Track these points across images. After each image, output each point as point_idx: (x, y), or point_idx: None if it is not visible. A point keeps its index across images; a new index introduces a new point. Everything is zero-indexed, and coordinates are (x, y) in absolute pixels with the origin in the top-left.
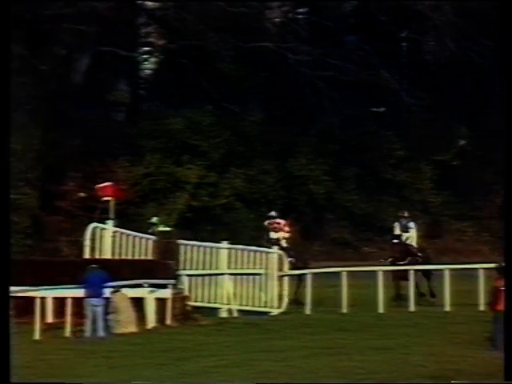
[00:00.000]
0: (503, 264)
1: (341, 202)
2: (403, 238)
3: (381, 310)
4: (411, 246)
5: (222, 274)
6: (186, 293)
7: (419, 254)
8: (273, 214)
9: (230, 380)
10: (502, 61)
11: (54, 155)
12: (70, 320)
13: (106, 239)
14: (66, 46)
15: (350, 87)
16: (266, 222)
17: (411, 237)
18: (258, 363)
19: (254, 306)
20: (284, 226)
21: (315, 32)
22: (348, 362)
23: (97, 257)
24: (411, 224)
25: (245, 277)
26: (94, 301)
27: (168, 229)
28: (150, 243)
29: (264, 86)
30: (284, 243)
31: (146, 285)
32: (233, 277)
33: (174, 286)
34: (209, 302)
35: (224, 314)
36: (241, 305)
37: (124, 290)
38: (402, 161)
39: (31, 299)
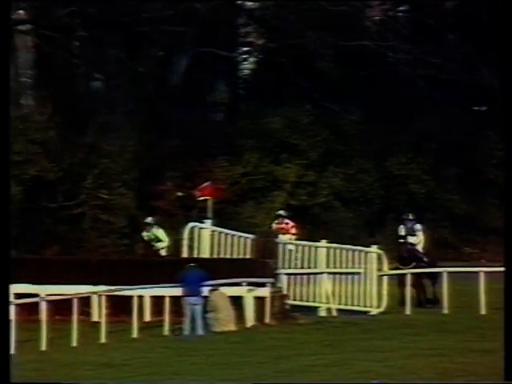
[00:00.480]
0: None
1: (441, 201)
2: (409, 241)
3: (483, 311)
4: (417, 250)
5: (321, 273)
6: (285, 291)
7: (424, 259)
8: (281, 213)
9: (328, 379)
10: None
11: (151, 156)
12: (169, 318)
13: (204, 238)
14: (164, 47)
15: (450, 86)
16: (275, 223)
17: (418, 240)
18: (357, 363)
19: (353, 305)
20: (292, 227)
21: (416, 30)
22: (449, 364)
23: (195, 256)
24: (417, 226)
25: (344, 276)
26: (193, 299)
27: (161, 230)
28: (249, 242)
29: (363, 85)
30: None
31: (244, 283)
32: (331, 276)
33: (273, 285)
34: (307, 301)
35: (323, 313)
36: (340, 304)
37: (222, 289)
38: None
39: (129, 298)
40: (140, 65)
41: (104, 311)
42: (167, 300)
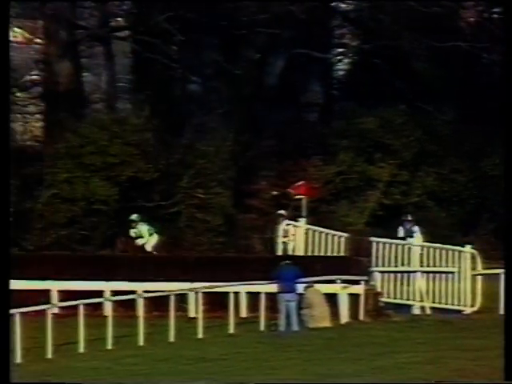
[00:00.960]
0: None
1: None
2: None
3: None
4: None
5: (415, 272)
6: (379, 289)
7: None
8: (282, 212)
9: (422, 378)
10: None
11: (246, 156)
12: (264, 314)
13: (298, 236)
14: (260, 49)
15: None
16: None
17: (416, 241)
18: (451, 361)
19: (446, 303)
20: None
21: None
22: None
23: (289, 253)
24: (415, 228)
25: (437, 275)
26: (288, 296)
27: (144, 227)
28: (343, 240)
29: (457, 86)
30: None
31: (338, 281)
32: (425, 274)
33: (367, 283)
34: (401, 299)
35: (417, 311)
36: (433, 302)
37: (317, 286)
38: None
39: (225, 294)
40: (236, 67)
41: (201, 307)
42: (263, 296)
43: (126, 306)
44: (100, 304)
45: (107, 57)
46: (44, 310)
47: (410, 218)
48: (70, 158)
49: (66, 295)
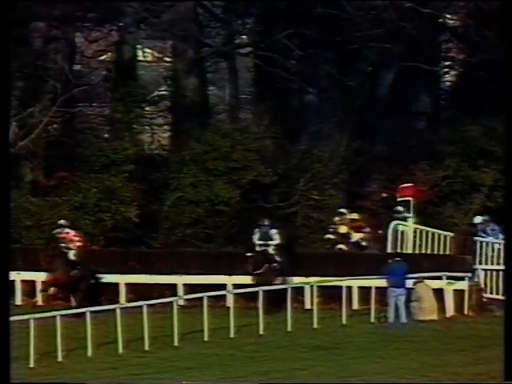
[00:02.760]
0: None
1: None
2: (263, 247)
3: None
4: (270, 254)
5: None
6: (482, 285)
7: (276, 263)
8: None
9: None
10: None
11: (358, 160)
12: (375, 307)
13: (407, 235)
14: (372, 63)
15: None
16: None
17: (274, 244)
18: None
19: None
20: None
21: None
22: None
23: (398, 251)
24: (273, 231)
25: None
26: (397, 290)
27: None
28: (448, 239)
29: None
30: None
31: (444, 277)
32: None
33: (471, 279)
34: (503, 295)
35: None
36: None
37: (426, 281)
38: None
39: (338, 288)
40: (350, 79)
41: (316, 300)
42: (373, 290)
43: (246, 298)
44: (223, 296)
45: (231, 71)
46: (171, 302)
47: (266, 223)
48: (194, 164)
49: (191, 288)
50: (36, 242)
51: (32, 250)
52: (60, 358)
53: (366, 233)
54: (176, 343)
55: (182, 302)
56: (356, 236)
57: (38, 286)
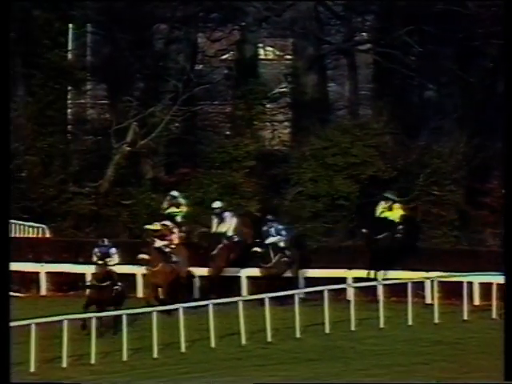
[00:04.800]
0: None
1: None
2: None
3: None
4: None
5: None
6: None
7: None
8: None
9: None
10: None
11: (478, 157)
12: (496, 303)
13: None
14: (493, 59)
15: None
16: None
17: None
18: None
19: None
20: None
21: None
22: None
23: None
24: (112, 250)
25: None
26: None
27: None
28: None
29: None
30: None
31: None
32: None
33: None
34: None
35: None
36: None
37: None
38: None
39: (459, 283)
40: (470, 75)
41: (436, 295)
42: (495, 286)
43: (366, 292)
44: (343, 289)
45: (350, 68)
46: (292, 295)
47: (106, 243)
48: (314, 159)
49: (312, 282)
50: None
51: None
52: (183, 349)
53: None
54: (298, 335)
55: (302, 295)
56: None
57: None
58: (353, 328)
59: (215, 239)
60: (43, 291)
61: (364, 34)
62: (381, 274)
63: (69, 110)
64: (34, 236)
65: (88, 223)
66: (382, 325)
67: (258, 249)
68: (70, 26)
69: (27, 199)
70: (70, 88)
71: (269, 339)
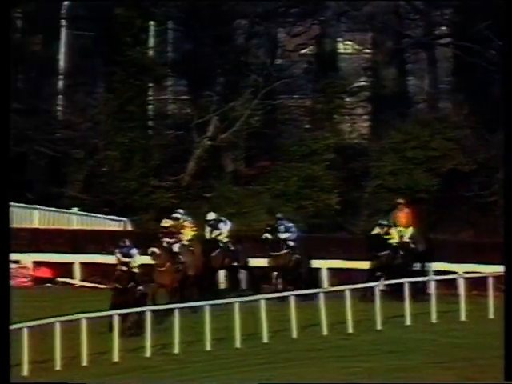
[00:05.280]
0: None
1: None
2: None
3: None
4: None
5: None
6: None
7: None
8: None
9: None
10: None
11: None
12: None
13: None
14: None
15: None
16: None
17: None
18: None
19: None
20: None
21: None
22: None
23: None
24: (134, 251)
25: None
26: None
27: None
28: None
29: None
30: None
31: None
32: None
33: None
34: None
35: None
36: None
37: None
38: None
39: None
40: None
41: None
42: None
43: (447, 285)
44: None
45: (430, 62)
46: (372, 287)
47: (127, 243)
48: (394, 153)
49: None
50: (240, 228)
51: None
52: (266, 340)
53: None
54: (379, 327)
55: (382, 287)
56: None
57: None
58: (433, 321)
59: (211, 245)
60: None
61: (443, 27)
62: (462, 268)
63: (150, 106)
64: (116, 229)
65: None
66: (463, 318)
67: (268, 235)
68: (151, 23)
69: (108, 193)
70: (151, 84)
71: (350, 330)
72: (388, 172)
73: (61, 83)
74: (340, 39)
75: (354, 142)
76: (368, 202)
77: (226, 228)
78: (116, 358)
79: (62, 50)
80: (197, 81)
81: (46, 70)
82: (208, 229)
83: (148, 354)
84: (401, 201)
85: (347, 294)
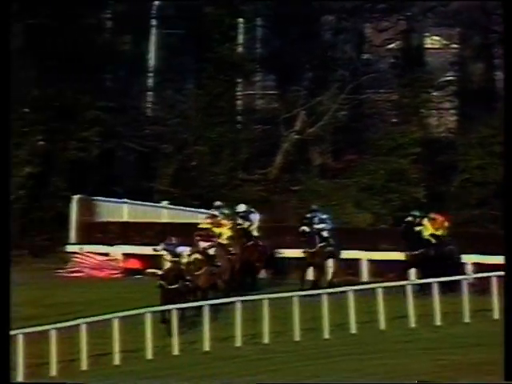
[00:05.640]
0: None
1: None
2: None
3: None
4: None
5: None
6: None
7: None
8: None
9: None
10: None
11: None
12: None
13: None
14: None
15: None
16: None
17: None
18: None
19: None
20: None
21: None
22: None
23: None
24: (180, 248)
25: None
26: None
27: None
28: None
29: None
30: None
31: None
32: None
33: None
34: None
35: None
36: None
37: None
38: None
39: None
40: None
41: None
42: None
43: None
44: None
45: None
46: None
47: (173, 241)
48: (481, 147)
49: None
50: None
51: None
52: (354, 331)
53: None
54: (467, 320)
55: (471, 281)
56: None
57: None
58: None
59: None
60: None
61: None
62: None
63: (238, 101)
64: None
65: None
66: None
67: (305, 228)
68: (240, 20)
69: (197, 187)
70: (239, 80)
71: (437, 323)
72: (475, 166)
73: (150, 81)
74: (427, 34)
75: (440, 135)
76: (455, 196)
77: (256, 219)
78: (207, 347)
79: (152, 48)
80: (284, 76)
81: (135, 69)
82: (239, 220)
83: (239, 343)
84: None
85: (435, 286)
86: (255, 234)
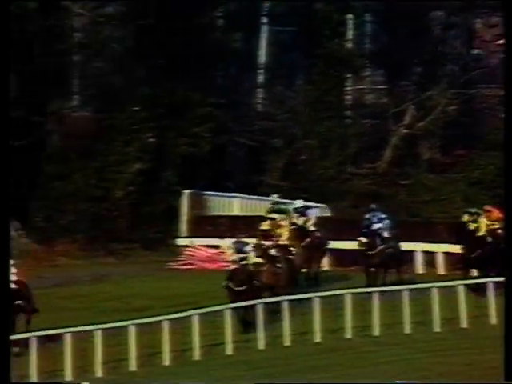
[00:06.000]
0: None
1: None
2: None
3: None
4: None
5: None
6: None
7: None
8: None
9: None
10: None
11: None
12: None
13: None
14: None
15: None
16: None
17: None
18: None
19: None
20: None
21: None
22: None
23: None
24: (248, 247)
25: None
26: None
27: None
28: None
29: None
30: None
31: None
32: None
33: None
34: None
35: None
36: None
37: None
38: None
39: None
40: None
41: None
42: None
43: None
44: None
45: None
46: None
47: (242, 240)
48: None
49: None
50: (436, 215)
51: (431, 224)
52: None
53: None
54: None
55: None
56: None
57: (439, 257)
58: None
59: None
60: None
61: None
62: None
63: (347, 96)
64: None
65: (366, 202)
66: None
67: (362, 238)
68: (350, 16)
69: (306, 180)
70: (348, 75)
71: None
72: None
73: (260, 77)
74: None
75: None
76: None
77: (313, 214)
78: (318, 338)
79: (262, 45)
80: (393, 71)
81: (245, 66)
82: (296, 216)
83: (349, 335)
84: None
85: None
86: (312, 228)
